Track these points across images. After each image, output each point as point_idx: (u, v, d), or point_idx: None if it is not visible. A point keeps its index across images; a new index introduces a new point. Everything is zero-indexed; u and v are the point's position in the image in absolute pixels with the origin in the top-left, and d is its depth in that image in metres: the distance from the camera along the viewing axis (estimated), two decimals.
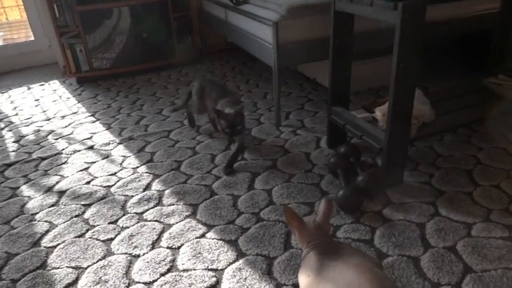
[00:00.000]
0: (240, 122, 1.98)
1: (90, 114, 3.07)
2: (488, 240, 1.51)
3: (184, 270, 1.49)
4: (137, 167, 2.23)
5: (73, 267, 1.56)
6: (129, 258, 1.57)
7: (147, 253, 1.59)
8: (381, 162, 1.83)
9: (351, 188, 1.73)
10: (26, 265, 1.60)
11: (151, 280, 1.46)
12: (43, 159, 2.45)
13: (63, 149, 2.54)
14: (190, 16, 3.85)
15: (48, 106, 3.27)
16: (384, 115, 1.83)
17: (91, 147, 2.53)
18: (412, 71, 1.60)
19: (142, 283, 1.45)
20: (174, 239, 1.65)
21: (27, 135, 2.81)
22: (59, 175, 2.25)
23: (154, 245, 1.63)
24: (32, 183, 2.20)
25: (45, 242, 1.72)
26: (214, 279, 1.43)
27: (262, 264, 1.47)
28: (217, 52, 4.30)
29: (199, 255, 1.55)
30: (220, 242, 1.61)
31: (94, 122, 2.92)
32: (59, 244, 1.70)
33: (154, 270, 1.50)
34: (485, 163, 1.99)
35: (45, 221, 1.86)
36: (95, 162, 2.35)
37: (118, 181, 2.12)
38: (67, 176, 2.23)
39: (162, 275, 1.48)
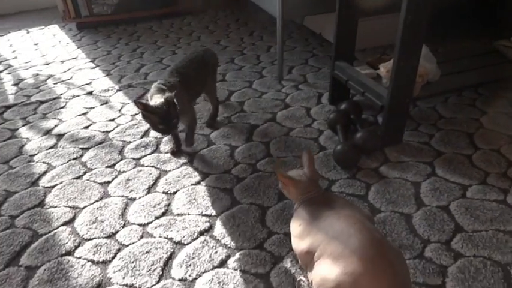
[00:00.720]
0: (175, 114, 1.54)
1: (89, 60, 3.01)
2: (482, 202, 1.51)
3: (178, 215, 1.51)
4: (136, 114, 2.21)
5: (70, 207, 1.58)
6: (125, 200, 1.59)
7: (142, 197, 1.61)
8: (382, 120, 1.80)
9: (349, 144, 1.72)
10: (24, 203, 1.62)
11: (146, 222, 1.48)
12: (42, 102, 2.43)
13: (61, 94, 2.52)
14: None
15: (47, 50, 3.20)
16: (388, 71, 1.78)
17: (90, 93, 2.50)
18: (420, 26, 1.54)
19: (138, 224, 1.48)
20: (170, 184, 1.66)
21: (26, 79, 2.77)
22: (58, 119, 2.24)
23: (150, 189, 1.65)
24: (31, 126, 2.19)
25: (43, 182, 1.74)
26: (207, 224, 1.45)
27: (255, 213, 1.49)
28: (221, 2, 4.15)
29: (194, 201, 1.57)
30: (216, 189, 1.62)
31: (93, 68, 2.87)
32: (56, 185, 1.72)
33: (150, 213, 1.52)
34: (487, 127, 1.97)
35: (44, 162, 1.87)
36: (93, 107, 2.33)
37: (116, 127, 2.11)
38: (65, 120, 2.22)
39: (157, 217, 1.50)
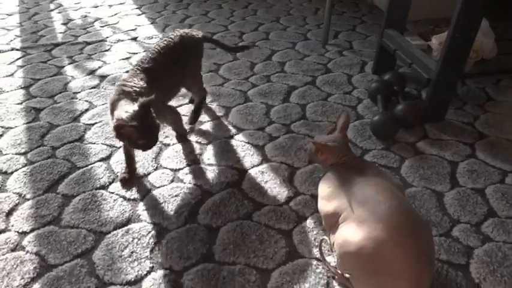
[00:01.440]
0: (155, 123, 1.25)
1: (136, 7, 3.02)
2: None
3: (209, 165, 1.54)
4: None
5: (107, 145, 1.65)
6: (159, 145, 1.64)
7: (176, 144, 1.64)
8: (426, 94, 1.73)
9: (388, 115, 1.67)
10: (65, 136, 1.70)
11: (177, 168, 1.52)
12: (88, 43, 2.48)
13: (107, 37, 2.56)
14: None
15: None
16: (441, 44, 1.69)
17: (134, 39, 2.53)
18: None
19: (169, 169, 1.52)
20: (204, 135, 1.69)
21: (75, 20, 2.84)
22: (102, 61, 2.29)
23: None
24: (76, 65, 2.26)
25: (84, 119, 1.81)
26: (236, 177, 1.48)
27: (284, 172, 1.50)
28: None
29: (225, 153, 1.59)
30: (248, 145, 1.63)
31: (140, 15, 2.89)
32: (96, 123, 1.78)
33: (182, 159, 1.56)
34: None
35: (86, 101, 1.94)
36: (136, 53, 2.36)
37: None
38: (109, 63, 2.27)
39: (188, 165, 1.54)
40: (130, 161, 1.48)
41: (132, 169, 1.48)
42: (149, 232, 1.27)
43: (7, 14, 2.93)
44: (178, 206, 1.36)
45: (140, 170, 1.51)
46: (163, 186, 1.44)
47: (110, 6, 3.04)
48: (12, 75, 2.16)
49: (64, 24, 2.76)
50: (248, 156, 1.57)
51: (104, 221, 1.31)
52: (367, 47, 2.40)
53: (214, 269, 1.16)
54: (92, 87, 2.04)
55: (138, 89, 1.33)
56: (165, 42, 1.50)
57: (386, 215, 0.97)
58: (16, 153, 1.61)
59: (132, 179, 1.47)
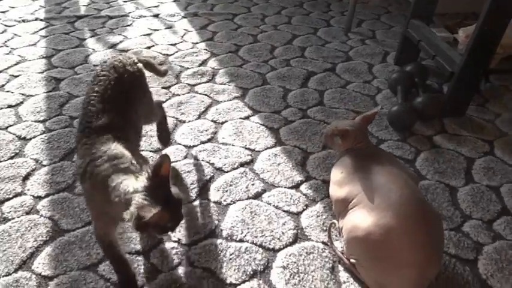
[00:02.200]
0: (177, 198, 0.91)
1: None
2: None
3: (223, 144, 1.54)
4: (197, 43, 2.23)
5: None
6: (175, 121, 1.65)
7: (192, 121, 1.65)
8: (448, 88, 1.69)
9: (406, 106, 1.65)
10: None
11: (191, 144, 1.53)
12: (110, 18, 2.49)
13: (130, 12, 2.57)
14: None
15: None
16: (467, 37, 1.64)
17: (156, 16, 2.53)
18: None
19: (183, 145, 1.53)
20: (219, 114, 1.69)
21: None
22: (123, 35, 2.30)
23: (200, 115, 1.69)
24: (98, 38, 2.27)
25: None
26: (249, 157, 1.48)
27: (297, 156, 1.50)
28: None
29: (240, 133, 1.59)
30: (263, 127, 1.63)
31: None
32: None
33: (196, 137, 1.57)
34: None
35: None
36: (158, 30, 2.36)
37: (177, 52, 2.14)
38: (130, 38, 2.28)
39: (203, 142, 1.55)
40: (125, 266, 1.05)
41: (132, 275, 1.06)
42: None
43: None
44: (190, 181, 1.37)
45: (155, 145, 1.53)
46: (177, 161, 1.46)
47: None
48: (35, 44, 2.18)
49: None
50: (262, 138, 1.57)
51: None
52: (391, 37, 2.35)
53: (222, 245, 1.17)
54: None
55: (123, 157, 0.96)
56: (101, 84, 1.09)
57: (396, 203, 0.96)
58: (35, 121, 1.64)
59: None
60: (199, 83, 1.89)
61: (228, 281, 1.08)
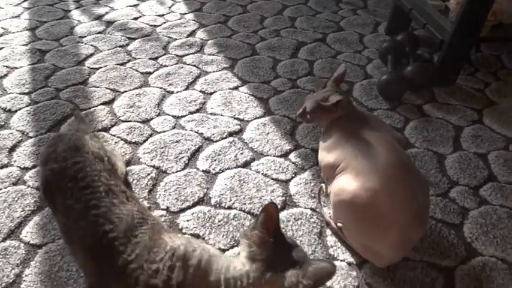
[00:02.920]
0: None
1: None
2: None
3: (212, 114, 1.53)
4: (185, 14, 2.18)
5: (111, 89, 1.64)
6: (163, 92, 1.63)
7: (180, 92, 1.63)
8: (438, 57, 1.68)
9: (396, 75, 1.63)
10: (69, 79, 1.69)
11: (180, 115, 1.52)
12: None
13: None
14: None
15: None
16: (459, 4, 1.62)
17: None
18: None
19: (172, 115, 1.52)
20: (208, 85, 1.67)
21: None
22: (109, 7, 2.25)
23: (188, 86, 1.67)
24: (83, 9, 2.21)
25: (89, 63, 1.79)
26: (238, 127, 1.47)
27: (287, 125, 1.49)
28: None
29: (228, 104, 1.58)
30: (252, 97, 1.62)
31: None
32: (101, 67, 1.76)
33: (184, 107, 1.56)
34: None
35: (91, 45, 1.91)
36: (145, 0, 2.31)
37: (164, 23, 2.10)
38: (117, 9, 2.22)
39: (191, 113, 1.53)
40: None
41: None
42: (148, 174, 1.28)
43: None
44: (179, 151, 1.37)
45: (143, 115, 1.51)
46: (165, 131, 1.44)
47: None
48: (18, 16, 2.13)
49: None
50: (251, 108, 1.56)
51: None
52: (382, 7, 2.32)
53: (210, 212, 1.17)
54: (98, 32, 2.01)
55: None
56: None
57: (382, 166, 0.97)
58: (20, 93, 1.61)
59: None
60: (188, 54, 1.86)
61: (216, 247, 1.09)
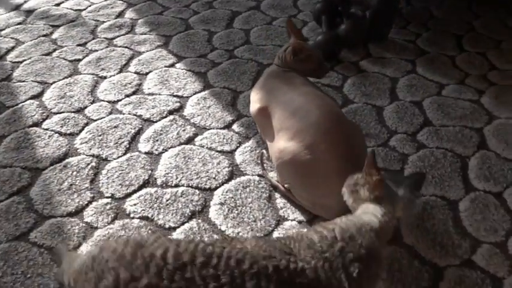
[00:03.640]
0: None
1: None
2: (456, 100, 1.50)
3: (149, 94, 1.48)
4: None
5: (38, 82, 1.54)
6: (95, 78, 1.55)
7: (114, 76, 1.57)
8: (370, 13, 1.71)
9: (331, 34, 1.65)
10: None
11: (115, 100, 1.46)
12: None
13: None
14: None
15: None
16: None
17: None
18: None
19: (107, 101, 1.46)
20: (142, 65, 1.61)
21: None
22: None
23: (122, 69, 1.60)
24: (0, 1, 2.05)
25: (11, 57, 1.67)
26: (178, 104, 1.44)
27: (227, 97, 1.47)
28: None
29: (166, 82, 1.53)
30: (189, 72, 1.58)
31: None
32: (25, 60, 1.65)
33: (120, 91, 1.50)
34: (478, 31, 1.89)
35: (12, 38, 1.78)
36: None
37: (90, 6, 1.98)
38: None
39: (127, 96, 1.48)
40: None
41: None
42: (88, 164, 1.23)
43: None
44: (118, 136, 1.32)
45: (76, 105, 1.44)
46: (101, 118, 1.39)
47: None
48: None
49: None
50: (190, 84, 1.53)
51: (40, 157, 1.26)
52: None
53: (157, 192, 1.15)
54: (18, 24, 1.88)
55: None
56: None
57: (316, 122, 0.98)
58: None
59: None
60: (118, 36, 1.78)
61: (167, 226, 1.07)
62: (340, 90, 1.52)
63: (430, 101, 1.49)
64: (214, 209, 1.11)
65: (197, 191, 1.15)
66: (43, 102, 1.45)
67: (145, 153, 1.27)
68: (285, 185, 1.09)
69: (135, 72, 1.58)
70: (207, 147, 1.28)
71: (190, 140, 1.31)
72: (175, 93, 1.48)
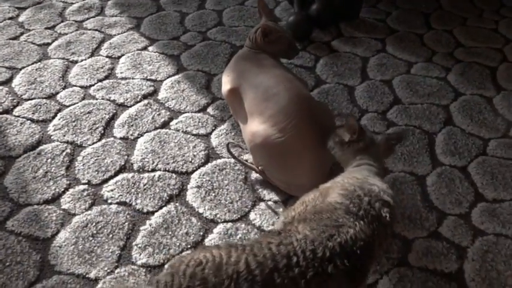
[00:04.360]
0: None
1: None
2: (424, 78, 1.55)
3: (122, 78, 1.47)
4: None
5: (6, 67, 1.50)
6: (66, 63, 1.52)
7: (85, 60, 1.54)
8: None
9: (303, 15, 1.66)
10: None
11: (88, 85, 1.44)
12: None
13: None
14: None
15: None
16: None
17: None
18: None
19: (79, 86, 1.44)
20: (114, 49, 1.59)
21: None
22: None
23: (93, 53, 1.57)
24: None
25: None
26: (151, 88, 1.43)
27: (201, 79, 1.48)
28: None
29: (139, 65, 1.52)
30: (162, 55, 1.57)
31: None
32: None
33: (92, 76, 1.48)
34: (446, 9, 1.93)
35: None
36: None
37: None
38: None
39: (100, 80, 1.46)
40: None
41: None
42: (63, 151, 1.23)
43: None
44: (92, 122, 1.31)
45: (47, 91, 1.41)
46: (74, 104, 1.37)
47: None
48: None
49: None
50: (163, 67, 1.52)
51: (12, 145, 1.24)
52: None
53: (134, 178, 1.16)
54: None
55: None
56: None
57: (285, 105, 1.01)
58: None
59: None
60: (88, 18, 1.74)
61: (145, 210, 1.09)
62: (312, 70, 1.55)
63: (399, 80, 1.54)
64: (191, 192, 1.13)
65: (174, 175, 1.17)
66: (13, 89, 1.42)
67: (121, 138, 1.27)
68: (259, 167, 1.12)
69: (107, 56, 1.56)
70: (182, 131, 1.29)
71: (165, 124, 1.31)
72: (148, 77, 1.47)
